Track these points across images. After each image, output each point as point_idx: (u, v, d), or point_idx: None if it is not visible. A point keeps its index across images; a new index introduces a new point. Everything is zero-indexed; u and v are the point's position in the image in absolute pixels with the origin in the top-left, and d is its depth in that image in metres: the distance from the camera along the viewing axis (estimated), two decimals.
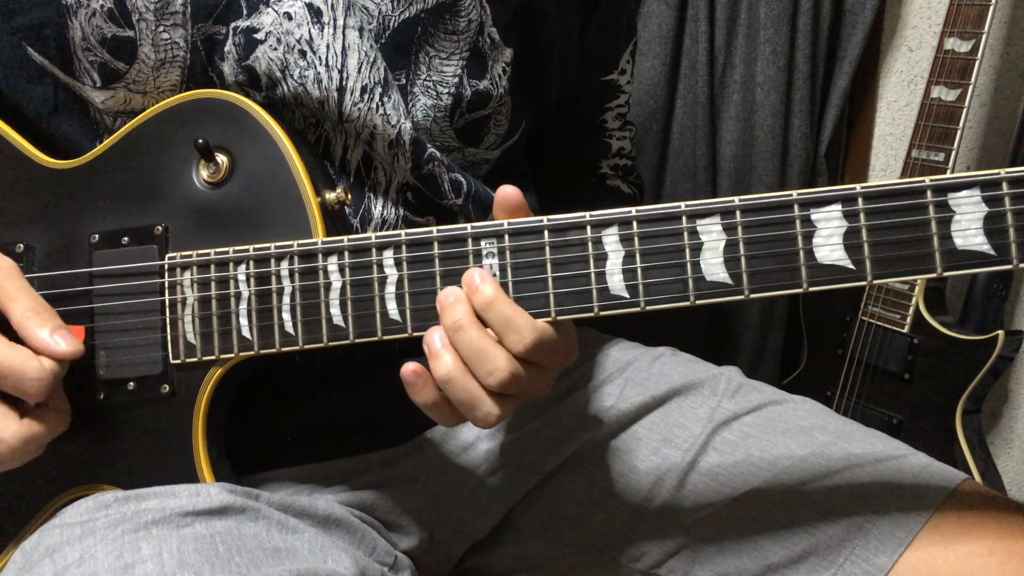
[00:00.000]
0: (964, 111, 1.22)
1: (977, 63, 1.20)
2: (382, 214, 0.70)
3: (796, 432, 0.75)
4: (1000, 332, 1.25)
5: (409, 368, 0.56)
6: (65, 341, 0.57)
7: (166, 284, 0.62)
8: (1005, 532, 0.65)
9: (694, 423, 0.77)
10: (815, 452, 0.72)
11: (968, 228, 0.51)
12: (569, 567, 0.78)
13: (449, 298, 0.56)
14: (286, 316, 0.60)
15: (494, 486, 0.77)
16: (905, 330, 1.31)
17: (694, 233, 0.54)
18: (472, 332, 0.55)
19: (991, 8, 1.19)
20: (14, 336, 0.57)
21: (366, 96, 0.66)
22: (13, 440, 0.57)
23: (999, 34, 1.37)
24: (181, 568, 0.54)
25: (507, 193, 0.57)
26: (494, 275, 0.57)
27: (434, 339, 0.56)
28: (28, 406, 0.59)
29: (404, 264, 0.58)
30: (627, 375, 0.83)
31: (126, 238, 0.63)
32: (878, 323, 1.34)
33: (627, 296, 0.55)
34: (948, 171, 1.23)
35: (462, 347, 0.55)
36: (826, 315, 1.41)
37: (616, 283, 0.55)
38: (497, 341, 0.55)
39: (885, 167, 1.48)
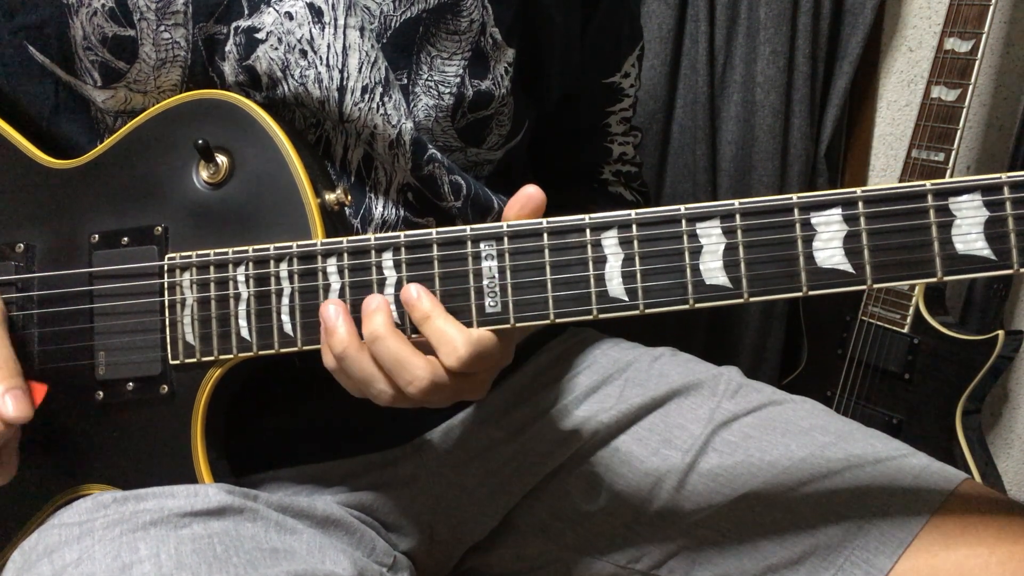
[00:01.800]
0: (964, 111, 1.22)
1: (977, 63, 1.20)
2: (382, 214, 0.70)
3: (796, 432, 0.75)
4: (1000, 332, 1.25)
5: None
6: (14, 404, 0.56)
7: (165, 285, 0.62)
8: (1005, 532, 0.65)
9: (694, 424, 0.77)
10: (815, 452, 0.72)
11: (969, 233, 0.51)
12: (569, 568, 0.78)
13: (371, 305, 0.57)
14: (285, 317, 0.60)
15: (494, 487, 0.77)
16: (905, 330, 1.31)
17: (694, 236, 0.54)
18: (390, 342, 0.55)
19: (991, 8, 1.19)
20: None
21: (367, 96, 0.66)
22: None
23: (999, 34, 1.37)
24: (179, 569, 0.54)
25: (530, 193, 0.57)
26: (493, 277, 0.57)
27: (328, 311, 0.57)
28: None
29: (403, 266, 0.58)
30: (627, 376, 0.83)
31: (126, 238, 0.63)
32: (878, 323, 1.34)
33: (626, 299, 0.55)
34: (948, 171, 1.23)
35: (380, 357, 0.56)
36: (826, 315, 1.41)
37: (615, 286, 0.55)
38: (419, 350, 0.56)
39: (885, 167, 1.48)
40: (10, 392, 0.56)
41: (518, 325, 0.57)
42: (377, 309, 0.56)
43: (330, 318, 0.57)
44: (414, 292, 0.56)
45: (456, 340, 0.55)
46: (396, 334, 0.56)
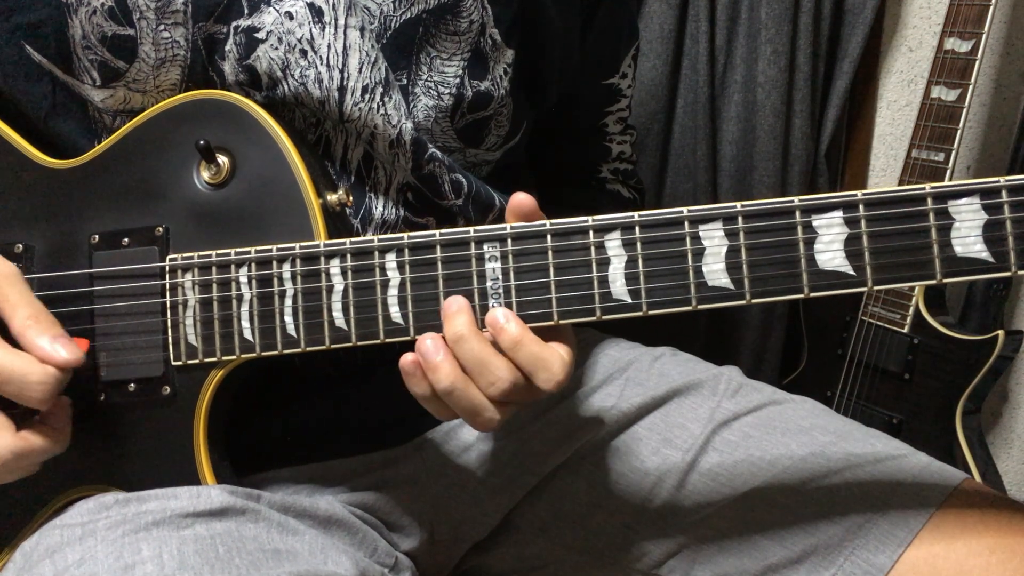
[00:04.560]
0: (964, 111, 1.22)
1: (977, 63, 1.20)
2: (382, 214, 0.70)
3: (796, 432, 0.75)
4: (1000, 332, 1.25)
5: (408, 359, 0.56)
6: (66, 349, 0.56)
7: (167, 286, 0.62)
8: (1006, 531, 0.65)
9: (694, 423, 0.77)
10: (815, 452, 0.72)
11: (968, 236, 0.51)
12: (569, 567, 0.78)
13: (452, 307, 0.56)
14: (288, 318, 0.60)
15: (494, 487, 0.77)
16: (905, 330, 1.31)
17: (696, 238, 0.55)
18: (473, 343, 0.55)
19: (991, 8, 1.19)
20: (17, 343, 0.56)
21: (367, 96, 0.66)
22: (5, 452, 0.56)
23: (999, 34, 1.37)
24: (181, 569, 0.54)
25: (520, 200, 0.57)
26: (496, 279, 0.57)
27: (428, 348, 0.56)
28: (26, 420, 0.58)
29: (407, 267, 0.58)
30: (627, 375, 0.83)
31: (127, 239, 0.63)
32: (878, 323, 1.34)
33: (629, 300, 0.55)
34: (948, 171, 1.23)
35: (463, 357, 0.55)
36: (826, 315, 1.41)
37: (618, 287, 0.56)
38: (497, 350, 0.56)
39: (885, 167, 1.48)
40: (57, 339, 0.56)
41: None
42: (460, 309, 0.56)
43: (431, 353, 0.56)
44: (501, 317, 0.56)
45: (554, 365, 0.55)
46: (479, 335, 0.56)
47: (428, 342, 0.56)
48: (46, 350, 0.55)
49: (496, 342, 0.56)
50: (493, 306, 0.57)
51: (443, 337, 0.56)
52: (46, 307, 0.58)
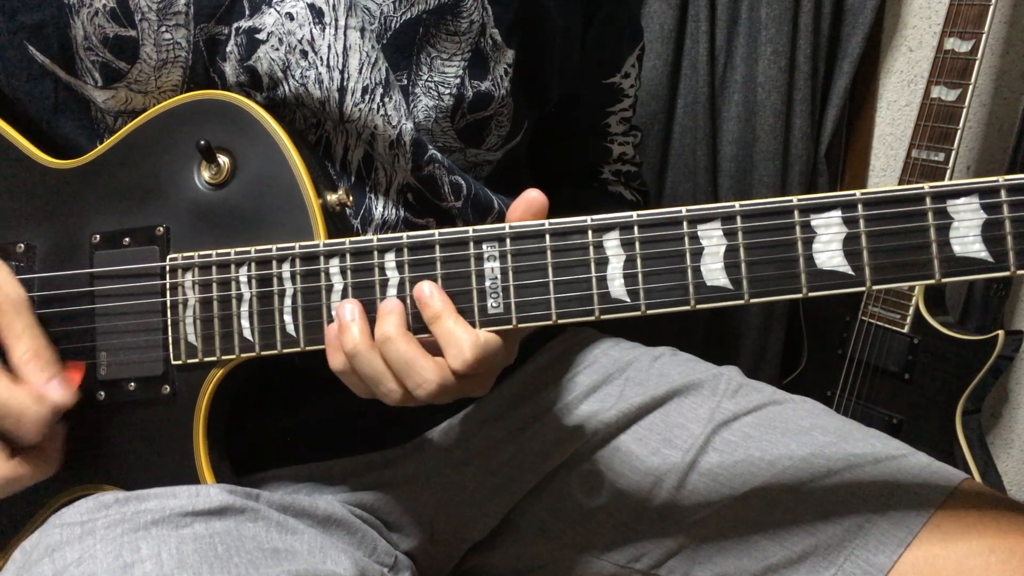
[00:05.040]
0: (964, 111, 1.22)
1: (977, 63, 1.20)
2: (382, 215, 0.70)
3: (796, 432, 0.75)
4: (1000, 332, 1.25)
5: (332, 328, 0.58)
6: (59, 390, 0.57)
7: (167, 285, 0.62)
8: (1006, 531, 0.65)
9: (694, 423, 0.77)
10: (815, 452, 0.72)
11: (966, 235, 0.52)
12: (569, 567, 0.78)
13: (387, 307, 0.57)
14: (287, 318, 0.60)
15: (494, 487, 0.78)
16: (905, 330, 1.31)
17: (695, 238, 0.55)
18: (400, 344, 0.56)
19: (991, 8, 1.19)
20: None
21: (367, 96, 0.66)
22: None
23: (999, 34, 1.37)
24: (180, 568, 0.54)
25: (532, 197, 0.57)
26: (495, 278, 0.57)
27: (344, 310, 0.57)
28: (19, 447, 0.59)
29: (406, 267, 0.58)
30: (627, 375, 0.83)
31: (127, 239, 0.63)
32: (878, 323, 1.34)
33: (628, 300, 0.56)
34: (948, 171, 1.23)
35: (390, 359, 0.56)
36: (826, 315, 1.41)
37: (617, 287, 0.56)
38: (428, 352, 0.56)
39: (885, 167, 1.48)
40: (53, 379, 0.58)
41: (520, 326, 0.57)
42: (392, 311, 0.57)
43: (345, 316, 0.57)
44: (427, 290, 0.57)
45: (464, 343, 0.56)
46: (407, 336, 0.57)
47: (347, 306, 0.58)
48: (42, 389, 0.57)
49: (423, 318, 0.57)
50: (491, 306, 0.57)
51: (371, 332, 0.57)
52: (47, 338, 0.60)
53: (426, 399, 0.57)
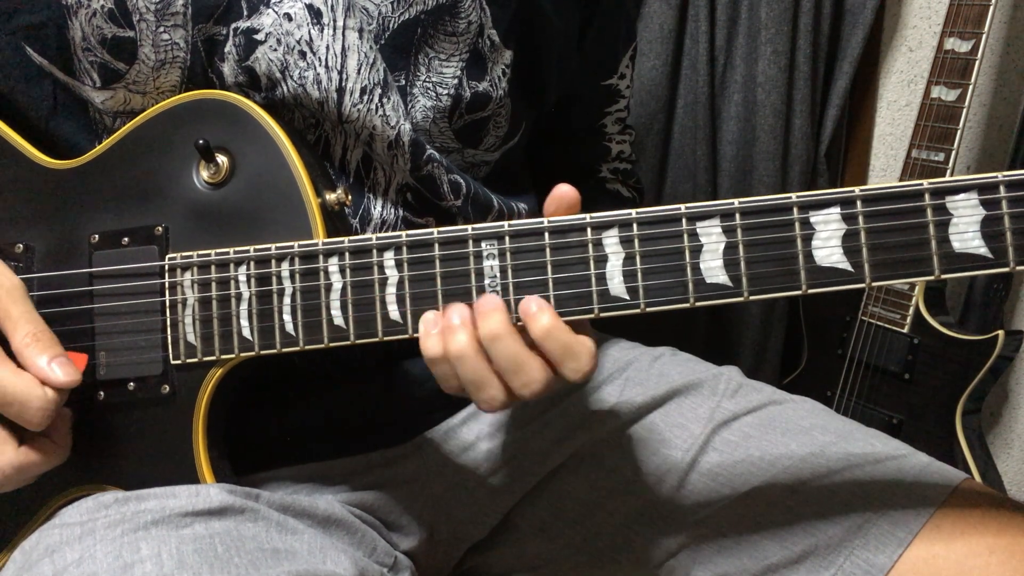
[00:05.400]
0: (964, 111, 1.22)
1: (977, 63, 1.20)
2: (381, 215, 0.70)
3: (796, 432, 0.75)
4: (1000, 332, 1.25)
5: (431, 314, 0.56)
6: (63, 370, 0.56)
7: (166, 285, 0.62)
8: (1006, 531, 0.65)
9: (694, 423, 0.77)
10: (815, 452, 0.72)
11: (966, 231, 0.51)
12: (569, 567, 0.78)
13: (488, 305, 0.56)
14: (287, 317, 0.60)
15: (494, 486, 0.77)
16: (905, 330, 1.31)
17: (694, 235, 0.55)
18: (508, 341, 0.55)
19: (991, 8, 1.19)
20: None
21: (365, 97, 0.66)
22: (7, 467, 0.57)
23: (999, 34, 1.37)
24: (180, 569, 0.54)
25: (563, 192, 0.57)
26: (494, 276, 0.57)
27: (451, 311, 0.56)
28: (28, 434, 0.58)
29: (405, 265, 0.58)
30: (627, 375, 0.83)
31: (126, 238, 0.63)
32: (878, 323, 1.34)
33: (627, 298, 0.56)
34: (948, 171, 1.23)
35: (498, 356, 0.55)
36: (826, 315, 1.41)
37: (616, 285, 0.56)
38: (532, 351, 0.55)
39: (885, 167, 1.48)
40: (55, 360, 0.56)
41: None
42: (495, 308, 0.56)
43: (453, 318, 0.56)
44: (534, 307, 0.56)
45: (583, 356, 0.55)
46: (515, 334, 0.55)
47: (454, 308, 0.56)
48: (44, 371, 0.56)
49: (527, 331, 0.55)
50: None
51: (476, 336, 0.56)
52: (47, 324, 0.59)
53: (530, 398, 0.55)
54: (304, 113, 0.67)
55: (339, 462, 0.75)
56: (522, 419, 0.79)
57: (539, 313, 0.55)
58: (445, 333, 0.56)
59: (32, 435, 0.58)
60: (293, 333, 0.60)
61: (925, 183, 0.52)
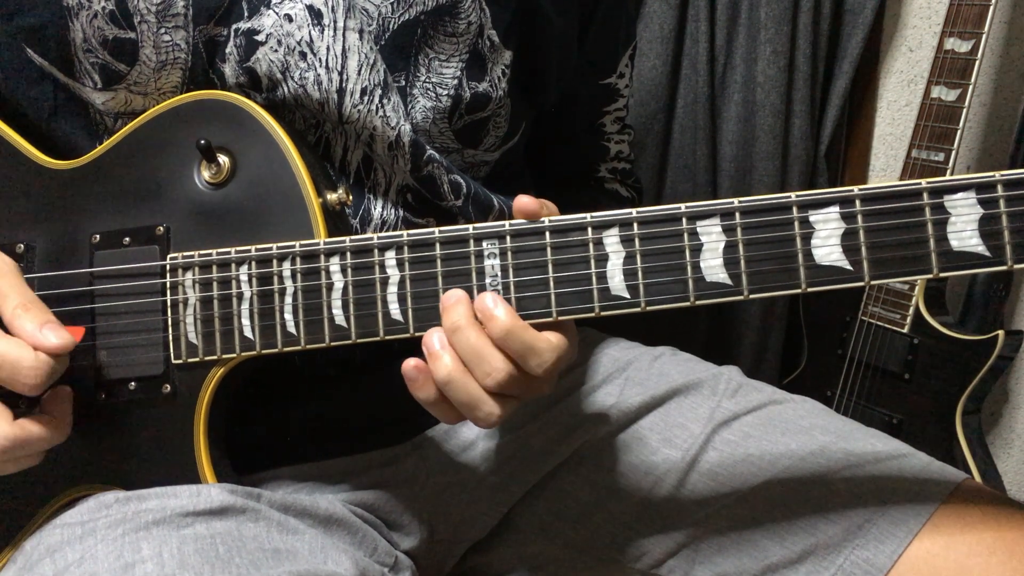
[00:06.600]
0: (964, 111, 1.22)
1: (977, 63, 1.20)
2: (382, 215, 0.70)
3: (796, 432, 0.75)
4: (1000, 332, 1.25)
5: (410, 364, 0.57)
6: (55, 334, 0.55)
7: (168, 284, 0.62)
8: (1005, 531, 0.65)
9: (694, 423, 0.77)
10: (815, 452, 0.72)
11: (964, 230, 0.52)
12: (569, 567, 0.78)
13: (450, 299, 0.57)
14: (288, 316, 0.60)
15: (494, 485, 0.78)
16: (905, 330, 1.31)
17: (694, 234, 0.55)
18: (470, 333, 0.55)
19: (991, 8, 1.19)
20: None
21: (366, 98, 0.67)
22: (3, 441, 0.55)
23: (999, 34, 1.37)
24: (181, 568, 0.54)
25: (523, 203, 0.57)
26: (495, 275, 0.57)
27: (433, 340, 0.56)
28: (25, 409, 0.58)
29: (406, 265, 0.58)
30: (627, 375, 0.83)
31: (127, 238, 0.63)
32: (878, 323, 1.34)
33: (628, 296, 0.56)
34: (948, 171, 1.24)
35: (460, 348, 0.56)
36: (826, 315, 1.41)
37: (617, 283, 0.56)
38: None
39: (885, 167, 1.48)
40: (46, 325, 0.56)
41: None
42: (457, 301, 0.56)
43: (434, 344, 0.56)
44: (490, 302, 0.56)
45: (544, 352, 0.56)
46: (476, 325, 0.56)
47: (434, 335, 0.57)
48: (36, 336, 0.55)
49: (487, 329, 0.56)
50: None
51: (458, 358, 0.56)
52: (45, 304, 0.58)
53: (495, 388, 0.56)
54: (305, 114, 0.67)
55: (339, 461, 0.75)
56: (522, 418, 0.79)
57: (495, 311, 0.56)
58: (432, 359, 0.56)
59: (28, 410, 0.58)
60: (294, 332, 0.60)
61: (923, 182, 0.52)
